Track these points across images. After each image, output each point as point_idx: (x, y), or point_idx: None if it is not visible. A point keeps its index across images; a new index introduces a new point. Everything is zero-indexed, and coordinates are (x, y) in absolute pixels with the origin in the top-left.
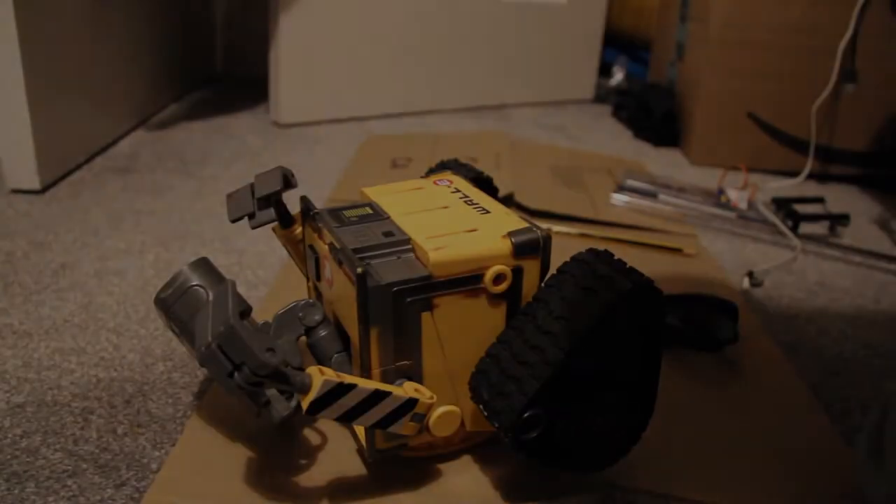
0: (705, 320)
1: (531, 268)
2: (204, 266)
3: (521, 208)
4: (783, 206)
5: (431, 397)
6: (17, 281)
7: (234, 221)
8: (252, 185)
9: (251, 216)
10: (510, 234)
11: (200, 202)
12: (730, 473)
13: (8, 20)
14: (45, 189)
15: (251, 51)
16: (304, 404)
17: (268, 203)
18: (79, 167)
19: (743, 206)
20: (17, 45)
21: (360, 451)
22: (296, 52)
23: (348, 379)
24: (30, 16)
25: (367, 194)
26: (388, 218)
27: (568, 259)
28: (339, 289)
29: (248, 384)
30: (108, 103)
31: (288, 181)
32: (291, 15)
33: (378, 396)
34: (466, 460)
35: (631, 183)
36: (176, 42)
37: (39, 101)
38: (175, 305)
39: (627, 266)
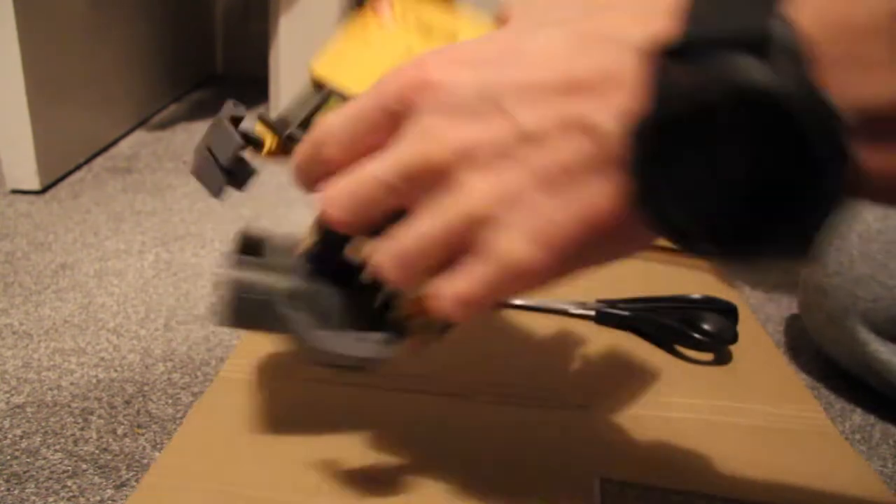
0: (705, 321)
1: None
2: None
3: None
4: None
5: None
6: (17, 281)
7: (220, 198)
8: (211, 153)
9: (234, 186)
10: None
11: (200, 202)
12: (728, 471)
13: (8, 20)
14: (45, 189)
15: (251, 51)
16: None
17: (236, 161)
18: (79, 167)
19: None
20: (17, 45)
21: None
22: (296, 52)
23: None
24: (30, 16)
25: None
26: None
27: None
28: None
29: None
30: (108, 103)
31: (241, 130)
32: (291, 15)
33: None
34: (466, 460)
35: None
36: (176, 42)
37: (39, 101)
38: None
39: None
